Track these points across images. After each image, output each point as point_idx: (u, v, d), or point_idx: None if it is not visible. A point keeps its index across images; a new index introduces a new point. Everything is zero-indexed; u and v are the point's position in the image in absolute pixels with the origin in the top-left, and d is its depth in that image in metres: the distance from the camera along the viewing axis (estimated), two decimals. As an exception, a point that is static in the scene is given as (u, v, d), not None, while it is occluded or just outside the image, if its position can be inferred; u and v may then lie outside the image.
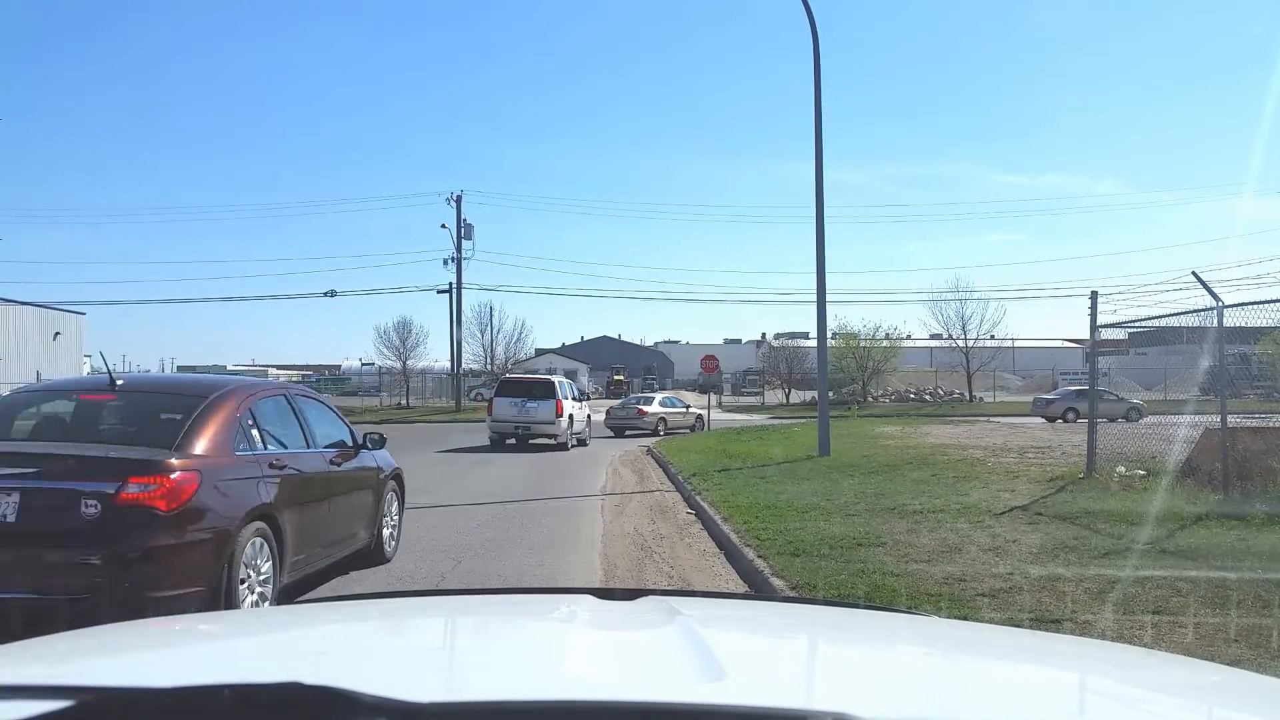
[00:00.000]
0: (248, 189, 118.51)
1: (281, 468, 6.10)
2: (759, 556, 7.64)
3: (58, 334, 46.77)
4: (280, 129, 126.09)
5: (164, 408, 6.00)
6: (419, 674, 1.29)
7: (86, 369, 55.19)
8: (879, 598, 5.87)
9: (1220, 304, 10.35)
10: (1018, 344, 61.07)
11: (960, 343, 52.37)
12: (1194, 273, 10.79)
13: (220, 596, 5.17)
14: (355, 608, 2.06)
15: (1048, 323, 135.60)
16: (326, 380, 71.11)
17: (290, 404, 6.90)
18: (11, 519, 4.91)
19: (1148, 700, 1.33)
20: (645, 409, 30.48)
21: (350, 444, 7.59)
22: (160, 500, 4.99)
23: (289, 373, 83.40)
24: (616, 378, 70.95)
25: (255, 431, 6.05)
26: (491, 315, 55.50)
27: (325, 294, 45.80)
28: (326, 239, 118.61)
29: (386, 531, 8.08)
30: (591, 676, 1.23)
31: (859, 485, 12.18)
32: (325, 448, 7.08)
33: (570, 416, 22.81)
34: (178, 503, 5.05)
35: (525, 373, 35.35)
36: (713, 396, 34.27)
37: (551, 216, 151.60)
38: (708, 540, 9.43)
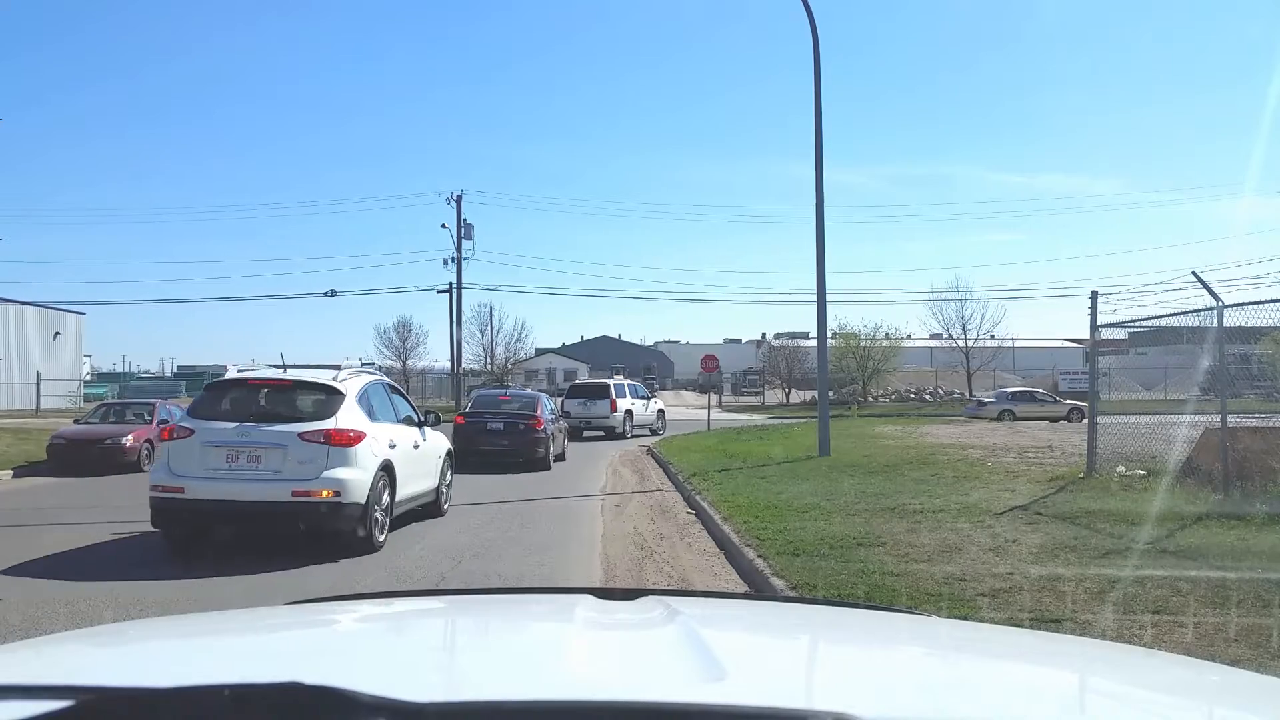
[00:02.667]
0: (248, 189, 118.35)
1: (553, 420, 19.18)
2: (759, 556, 7.64)
3: (58, 334, 46.76)
4: (280, 129, 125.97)
5: (525, 401, 19.27)
6: (419, 674, 1.29)
7: (86, 369, 55.26)
8: (879, 598, 5.87)
9: (1220, 304, 10.35)
10: (1018, 344, 61.09)
11: (960, 343, 52.42)
12: (1194, 273, 10.81)
13: (549, 454, 17.82)
14: (355, 608, 2.06)
15: (1048, 323, 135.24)
16: (326, 380, 71.01)
17: (548, 399, 20.59)
18: (501, 429, 17.76)
19: (1148, 700, 1.33)
20: (984, 400, 37.65)
21: (560, 414, 21.87)
22: (537, 425, 17.85)
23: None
24: (616, 378, 70.89)
25: (546, 408, 19.01)
26: (491, 315, 55.67)
27: (325, 294, 45.88)
28: (326, 239, 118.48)
29: (562, 450, 19.77)
30: (591, 676, 1.23)
31: (859, 485, 12.18)
32: (553, 414, 19.74)
33: (628, 412, 28.48)
34: (540, 425, 17.88)
35: (592, 378, 40.37)
36: (713, 396, 34.30)
37: (552, 216, 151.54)
38: (708, 540, 9.43)
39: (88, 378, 54.30)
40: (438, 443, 11.17)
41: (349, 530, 8.39)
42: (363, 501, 8.44)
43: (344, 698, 0.88)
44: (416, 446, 10.12)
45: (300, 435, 8.42)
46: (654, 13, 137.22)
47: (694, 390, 58.46)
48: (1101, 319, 12.55)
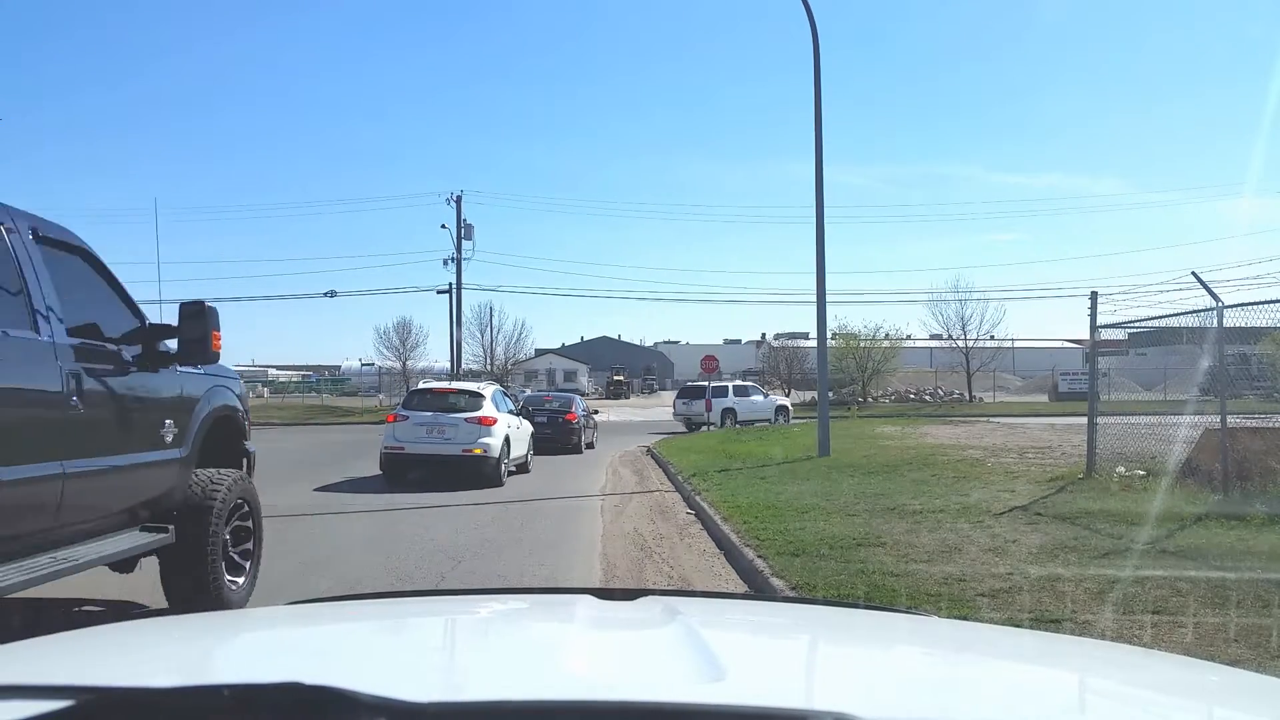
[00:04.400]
0: (249, 189, 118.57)
1: (584, 416, 24.12)
2: (759, 556, 7.64)
3: (57, 334, 46.65)
4: (280, 129, 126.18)
5: (564, 401, 24.20)
6: (419, 674, 1.29)
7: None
8: (879, 598, 5.87)
9: (1220, 304, 10.34)
10: (1018, 344, 61.09)
11: (960, 343, 52.41)
12: (1194, 273, 10.80)
13: (580, 441, 23.02)
14: (355, 608, 2.06)
15: (1048, 323, 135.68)
16: (326, 380, 70.98)
17: (581, 399, 25.91)
18: (545, 421, 21.77)
19: (1148, 700, 1.33)
20: None
21: (589, 412, 25.81)
22: (571, 419, 22.85)
23: (289, 373, 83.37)
24: (616, 378, 70.97)
25: (579, 407, 24.02)
26: (491, 315, 55.64)
27: (325, 294, 45.77)
28: (326, 239, 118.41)
29: (592, 439, 24.79)
30: (591, 676, 1.23)
31: (859, 485, 12.18)
32: (584, 412, 24.62)
33: (729, 410, 32.83)
34: (574, 419, 22.90)
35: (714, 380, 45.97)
36: (712, 397, 34.39)
37: (552, 216, 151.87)
38: (708, 540, 9.42)
39: (87, 378, 54.04)
40: (527, 427, 18.20)
41: (490, 472, 14.81)
42: (497, 456, 15.04)
43: (344, 698, 0.88)
44: (518, 428, 16.91)
45: (465, 419, 15.15)
46: (655, 14, 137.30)
47: (694, 390, 58.29)
48: (1101, 319, 12.54)
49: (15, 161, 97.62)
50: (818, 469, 14.77)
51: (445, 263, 43.61)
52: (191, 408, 6.09)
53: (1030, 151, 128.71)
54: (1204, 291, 10.60)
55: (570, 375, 73.92)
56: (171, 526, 5.60)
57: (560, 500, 13.21)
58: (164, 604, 5.92)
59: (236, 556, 6.21)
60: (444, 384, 18.81)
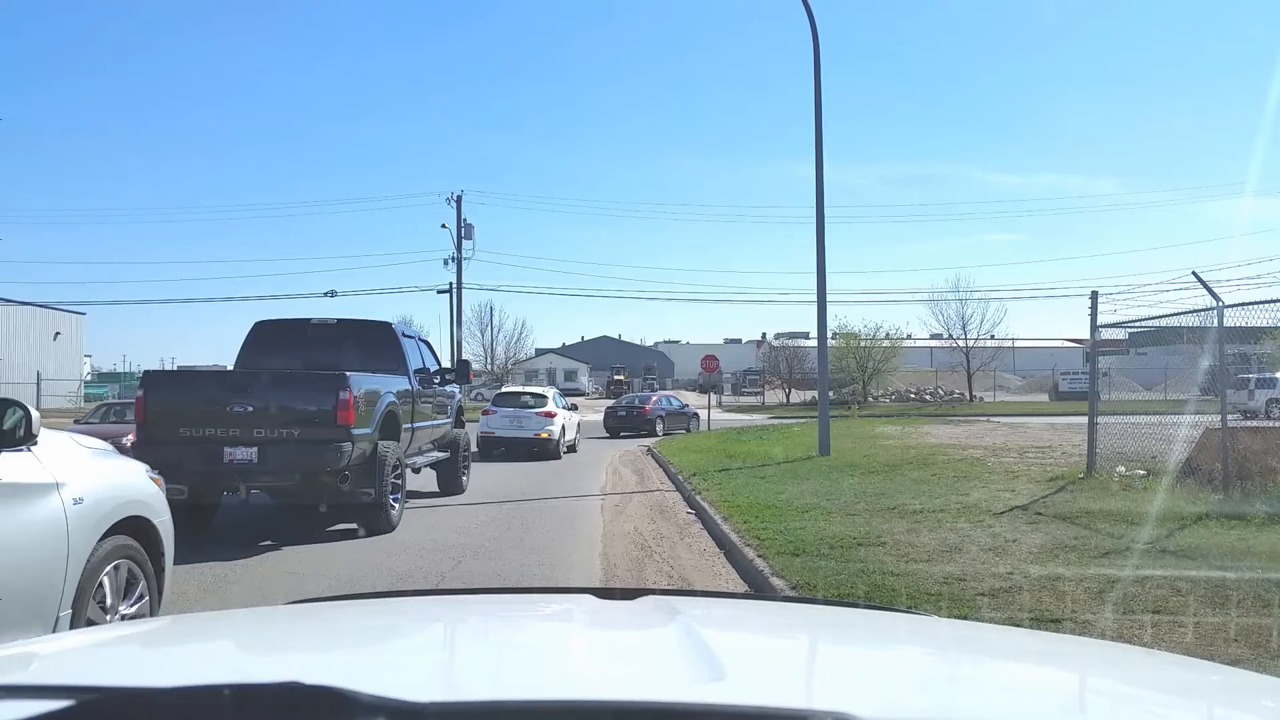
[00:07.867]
0: (248, 189, 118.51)
1: (659, 409, 29.98)
2: (759, 556, 7.64)
3: (58, 334, 46.79)
4: (281, 129, 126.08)
5: (643, 398, 31.99)
6: (419, 674, 1.29)
7: (86, 369, 55.22)
8: (879, 598, 5.87)
9: (1220, 304, 10.34)
10: (1018, 344, 61.08)
11: (960, 343, 52.43)
12: (1194, 273, 10.79)
13: (655, 429, 28.56)
14: (355, 607, 2.06)
15: (1048, 323, 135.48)
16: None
17: (664, 396, 33.66)
18: (626, 414, 29.72)
19: (1148, 700, 1.33)
20: None
21: (678, 405, 32.21)
22: (646, 412, 29.15)
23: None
24: (616, 378, 70.96)
25: (657, 403, 30.57)
26: (492, 315, 55.74)
27: (325, 294, 45.77)
28: (326, 239, 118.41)
29: (675, 428, 30.50)
30: (591, 676, 1.23)
31: (859, 485, 12.18)
32: (661, 408, 30.46)
33: (1274, 400, 35.31)
34: (647, 412, 29.25)
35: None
36: (713, 397, 34.31)
37: (552, 216, 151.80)
38: (708, 540, 9.42)
39: (88, 378, 54.28)
40: (576, 417, 23.02)
41: (553, 449, 20.27)
42: (558, 439, 20.44)
43: (344, 698, 0.88)
44: (570, 419, 22.06)
45: (535, 413, 20.52)
46: (656, 15, 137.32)
47: (694, 390, 58.38)
48: (1102, 319, 12.54)
49: (17, 160, 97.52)
50: (818, 468, 14.76)
51: (445, 262, 43.67)
52: (453, 400, 13.59)
53: (1029, 151, 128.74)
54: (1204, 291, 10.60)
55: (570, 375, 73.89)
56: (448, 452, 12.95)
57: (560, 500, 13.20)
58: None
59: (463, 469, 13.59)
60: (520, 388, 24.73)
